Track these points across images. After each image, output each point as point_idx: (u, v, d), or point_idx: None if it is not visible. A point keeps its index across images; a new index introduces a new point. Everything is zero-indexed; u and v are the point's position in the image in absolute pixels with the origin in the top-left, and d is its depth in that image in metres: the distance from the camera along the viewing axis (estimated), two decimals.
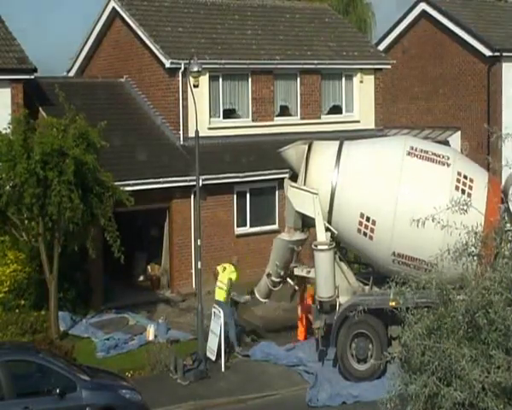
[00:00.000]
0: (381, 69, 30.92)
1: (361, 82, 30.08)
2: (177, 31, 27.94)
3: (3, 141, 19.60)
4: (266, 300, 20.65)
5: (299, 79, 28.87)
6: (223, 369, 18.95)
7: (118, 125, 25.06)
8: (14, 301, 21.64)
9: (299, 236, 19.33)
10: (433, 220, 11.41)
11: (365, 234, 18.19)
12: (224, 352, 19.02)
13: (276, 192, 26.52)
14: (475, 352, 9.95)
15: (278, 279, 19.97)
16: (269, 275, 19.94)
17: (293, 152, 19.33)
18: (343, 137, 21.23)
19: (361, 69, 30.14)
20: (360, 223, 18.19)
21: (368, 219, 18.11)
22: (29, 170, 18.92)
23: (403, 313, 10.77)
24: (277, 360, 19.51)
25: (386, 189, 18.11)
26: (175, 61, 26.01)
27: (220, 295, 20.11)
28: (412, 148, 18.44)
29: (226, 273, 20.20)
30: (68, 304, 22.01)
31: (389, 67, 31.32)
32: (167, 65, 26.21)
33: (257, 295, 20.43)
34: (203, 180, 23.22)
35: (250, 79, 27.79)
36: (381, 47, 34.72)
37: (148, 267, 25.99)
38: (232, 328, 19.98)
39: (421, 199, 17.40)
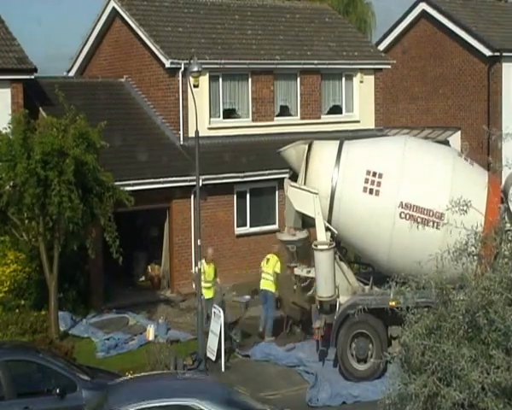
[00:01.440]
0: (381, 69, 30.92)
1: (361, 82, 30.09)
2: (177, 31, 27.95)
3: (3, 141, 19.60)
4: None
5: (299, 79, 28.88)
6: (223, 369, 18.94)
7: (118, 125, 25.08)
8: (14, 301, 21.66)
9: (299, 235, 19.33)
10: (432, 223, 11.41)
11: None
12: (223, 352, 19.02)
13: (276, 192, 26.53)
14: (475, 352, 9.95)
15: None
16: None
17: (293, 152, 19.33)
18: (343, 137, 21.23)
19: (361, 69, 30.14)
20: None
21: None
22: (29, 170, 18.92)
23: (403, 313, 10.77)
24: (277, 360, 19.51)
25: (387, 187, 18.12)
26: (175, 61, 26.02)
27: (268, 284, 20.56)
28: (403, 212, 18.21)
29: (271, 264, 20.70)
30: (68, 304, 22.02)
31: (389, 67, 31.33)
32: (167, 65, 26.21)
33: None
34: (203, 180, 23.22)
35: (250, 79, 27.80)
36: (381, 47, 34.72)
37: (149, 267, 25.99)
38: (271, 318, 20.56)
39: (421, 196, 17.46)
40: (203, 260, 20.79)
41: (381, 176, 18.30)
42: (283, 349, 19.92)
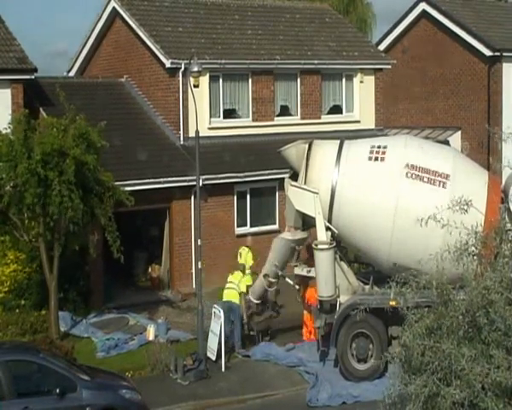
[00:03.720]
0: (381, 69, 30.92)
1: (361, 82, 30.09)
2: (177, 31, 27.95)
3: (4, 141, 19.59)
4: (259, 301, 20.57)
5: (299, 79, 28.88)
6: (223, 369, 18.93)
7: (118, 125, 25.08)
8: (14, 301, 21.66)
9: (301, 235, 19.35)
10: (434, 220, 11.41)
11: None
12: (224, 352, 19.01)
13: (277, 192, 26.52)
14: (475, 352, 9.94)
15: (275, 280, 19.98)
16: (266, 276, 19.94)
17: (293, 151, 19.34)
18: (343, 136, 21.22)
19: (361, 69, 30.14)
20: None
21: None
22: (30, 170, 18.90)
23: (403, 313, 10.76)
24: (277, 360, 19.49)
25: (386, 187, 18.10)
26: (175, 61, 26.02)
27: (232, 295, 20.20)
28: (408, 165, 18.09)
29: (236, 276, 20.42)
30: (68, 304, 22.01)
31: (389, 67, 31.32)
32: (167, 65, 26.22)
33: (250, 297, 20.34)
34: (203, 180, 23.21)
35: (250, 79, 27.81)
36: (381, 47, 34.73)
37: (149, 268, 25.98)
38: (238, 328, 20.08)
39: (421, 197, 17.46)
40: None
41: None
42: (283, 349, 19.91)
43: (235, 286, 20.29)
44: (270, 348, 19.96)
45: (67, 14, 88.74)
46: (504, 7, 37.84)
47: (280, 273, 19.87)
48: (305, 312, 20.41)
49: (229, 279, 20.58)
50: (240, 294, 20.23)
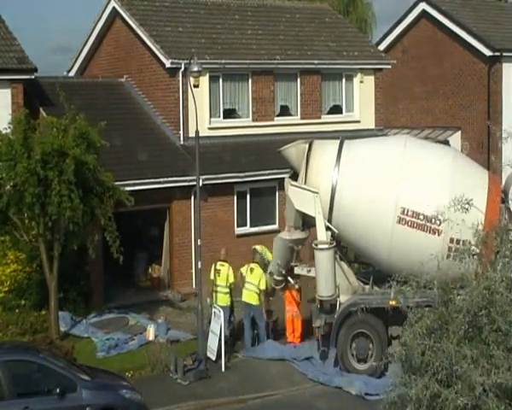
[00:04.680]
0: (381, 69, 30.92)
1: (361, 82, 30.09)
2: (177, 31, 27.95)
3: (4, 141, 19.59)
4: (270, 298, 20.64)
5: (299, 79, 28.87)
6: (223, 369, 18.92)
7: (118, 125, 25.06)
8: (14, 301, 21.65)
9: (298, 234, 19.33)
10: (433, 222, 11.40)
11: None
12: (224, 352, 19.01)
13: (277, 192, 26.51)
14: (476, 352, 9.93)
15: (280, 278, 19.97)
16: (271, 274, 19.95)
17: (293, 151, 19.34)
18: (343, 136, 21.22)
19: (361, 69, 30.13)
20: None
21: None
22: (29, 170, 18.89)
23: (403, 313, 10.76)
24: (289, 358, 19.45)
25: (387, 186, 18.11)
26: (175, 61, 26.01)
27: (251, 297, 20.03)
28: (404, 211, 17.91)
29: (256, 275, 20.12)
30: (68, 304, 22.00)
31: (389, 67, 31.31)
32: (167, 65, 26.21)
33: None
34: (203, 180, 23.20)
35: (250, 79, 27.80)
36: (381, 47, 34.73)
37: (149, 268, 25.97)
38: (262, 328, 20.15)
39: (421, 194, 17.48)
40: (218, 262, 20.34)
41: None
42: (285, 349, 19.91)
43: (255, 287, 20.04)
44: (273, 348, 19.90)
45: (67, 11, 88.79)
46: (504, 7, 37.85)
47: (284, 272, 19.82)
48: (289, 314, 20.42)
49: (247, 279, 20.19)
50: (259, 294, 20.04)
